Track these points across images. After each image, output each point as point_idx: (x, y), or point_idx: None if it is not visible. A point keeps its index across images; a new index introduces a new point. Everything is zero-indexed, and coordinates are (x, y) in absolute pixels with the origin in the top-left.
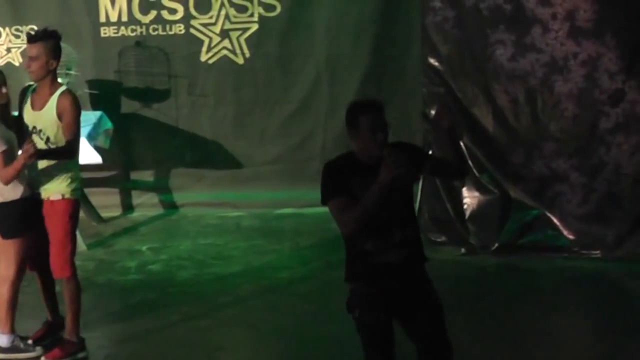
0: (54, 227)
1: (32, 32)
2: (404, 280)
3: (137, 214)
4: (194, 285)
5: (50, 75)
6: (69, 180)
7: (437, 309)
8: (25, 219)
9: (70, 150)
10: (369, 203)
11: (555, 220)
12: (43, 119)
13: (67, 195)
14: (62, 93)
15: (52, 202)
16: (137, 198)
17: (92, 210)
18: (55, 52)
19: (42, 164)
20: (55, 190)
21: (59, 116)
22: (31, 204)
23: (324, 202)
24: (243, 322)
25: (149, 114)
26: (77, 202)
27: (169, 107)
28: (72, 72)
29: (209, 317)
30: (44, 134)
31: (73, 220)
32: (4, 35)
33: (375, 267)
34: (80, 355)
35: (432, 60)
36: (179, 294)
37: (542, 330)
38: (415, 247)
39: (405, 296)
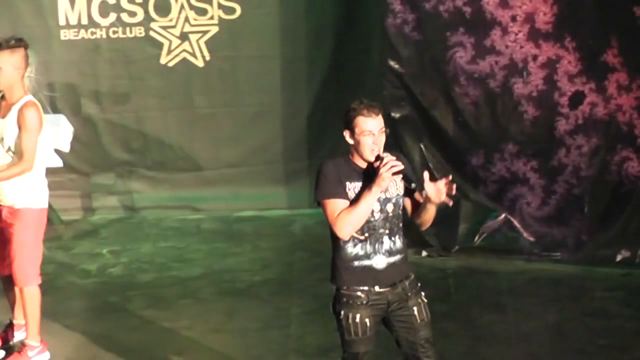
0: (18, 235)
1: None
2: (387, 286)
3: (97, 217)
4: (155, 288)
5: (16, 84)
6: (32, 189)
7: (412, 325)
8: None
9: (23, 169)
10: (363, 208)
11: (515, 223)
12: (5, 128)
13: (31, 205)
14: (25, 103)
15: (17, 210)
16: (97, 201)
17: (52, 213)
18: (21, 62)
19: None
20: (19, 198)
21: (19, 126)
22: None
23: (317, 200)
24: (204, 325)
25: (110, 117)
26: (43, 210)
27: (130, 109)
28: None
29: (170, 321)
30: (5, 143)
31: (38, 229)
32: None
33: (360, 270)
34: (42, 358)
35: (392, 63)
36: (140, 297)
37: (499, 332)
38: (401, 257)
39: (387, 302)
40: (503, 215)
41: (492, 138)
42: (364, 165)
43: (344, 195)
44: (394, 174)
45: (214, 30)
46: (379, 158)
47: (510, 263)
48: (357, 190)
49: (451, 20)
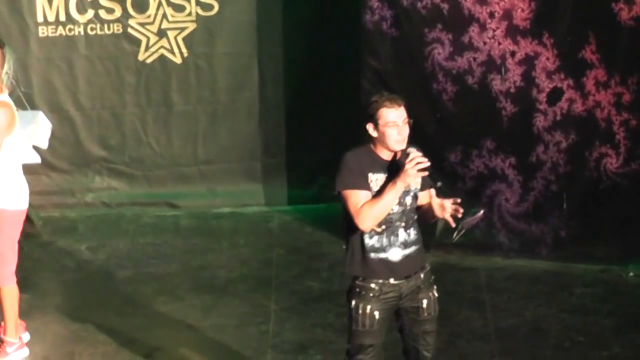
0: None
1: None
2: (402, 278)
3: (75, 214)
4: (132, 284)
5: None
6: (7, 190)
7: (418, 317)
8: None
9: None
10: (386, 202)
11: (493, 219)
12: None
13: (7, 206)
14: None
15: None
16: (75, 198)
17: (30, 210)
18: None
19: None
20: None
21: None
22: None
23: (338, 190)
24: (181, 322)
25: (87, 114)
26: (20, 212)
27: (107, 106)
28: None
29: (147, 317)
30: None
31: (14, 230)
32: None
33: (376, 262)
34: (20, 354)
35: (370, 60)
36: (117, 293)
37: (478, 328)
38: (416, 248)
39: (400, 295)
40: (481, 212)
41: (470, 134)
42: (386, 156)
43: (366, 187)
44: (420, 170)
45: (192, 27)
46: (405, 153)
47: (489, 259)
48: (379, 182)
49: (429, 16)
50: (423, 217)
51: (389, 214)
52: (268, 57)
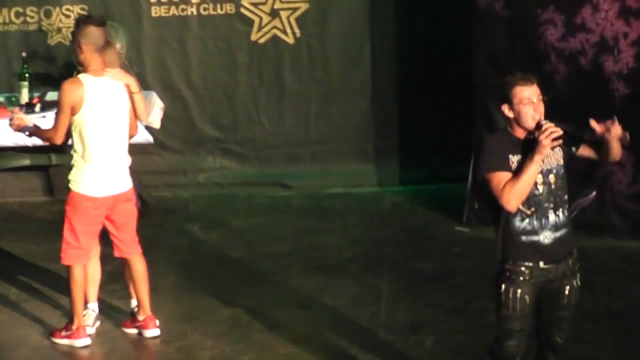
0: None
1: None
2: (552, 262)
3: (187, 194)
4: (244, 264)
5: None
6: (73, 170)
7: (558, 302)
8: None
9: (47, 137)
10: (527, 178)
11: (605, 200)
12: None
13: (71, 186)
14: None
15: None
16: (187, 178)
17: (142, 190)
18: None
19: None
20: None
21: None
22: None
23: (482, 174)
24: (293, 302)
25: (200, 94)
26: (78, 194)
27: (219, 86)
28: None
29: (259, 297)
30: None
31: (72, 213)
32: (54, 14)
33: (527, 245)
34: (69, 341)
35: (482, 40)
36: (229, 273)
37: (589, 309)
38: (566, 230)
39: (547, 279)
40: (594, 193)
41: (582, 116)
42: (523, 137)
43: (508, 168)
44: (554, 139)
45: (305, 7)
46: (538, 126)
47: (601, 241)
48: (517, 163)
49: None
50: (613, 155)
51: (535, 195)
52: (381, 37)
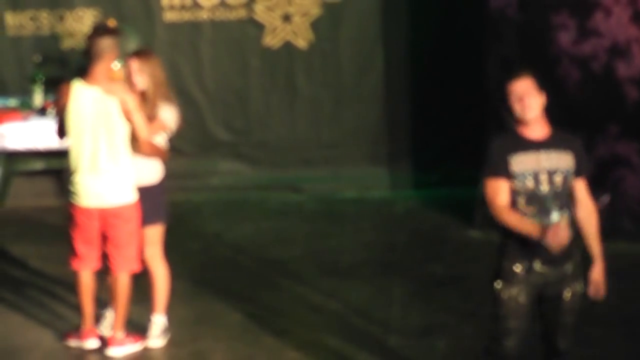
0: None
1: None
2: (548, 263)
3: (200, 197)
4: (256, 268)
5: None
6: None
7: (559, 307)
8: None
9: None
10: (518, 227)
11: (618, 205)
12: None
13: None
14: None
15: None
16: (200, 181)
17: None
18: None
19: None
20: None
21: None
22: None
23: (481, 177)
24: (305, 306)
25: (212, 98)
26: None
27: (232, 90)
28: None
29: (271, 300)
30: None
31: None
32: (67, 19)
33: (523, 244)
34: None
35: (495, 44)
36: (241, 277)
37: (600, 314)
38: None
39: (545, 282)
40: (608, 198)
41: (594, 120)
42: (529, 133)
43: (504, 173)
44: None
45: (317, 12)
46: (558, 219)
47: (613, 245)
48: (520, 163)
49: (554, 1)
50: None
51: (538, 194)
52: (393, 41)
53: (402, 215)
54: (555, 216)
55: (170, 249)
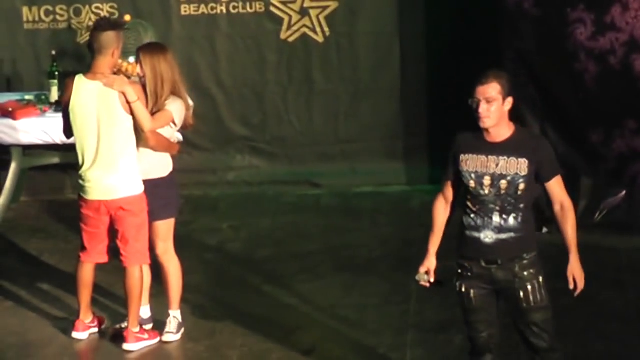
0: None
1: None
2: (492, 262)
3: (216, 192)
4: (273, 263)
5: None
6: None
7: (519, 307)
8: None
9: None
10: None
11: (635, 199)
12: None
13: None
14: None
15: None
16: (216, 176)
17: None
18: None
19: None
20: None
21: None
22: None
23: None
24: (321, 301)
25: (229, 92)
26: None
27: (249, 84)
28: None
29: (288, 296)
30: None
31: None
32: (84, 13)
33: (470, 241)
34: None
35: (511, 39)
36: (258, 272)
37: (619, 309)
38: (514, 236)
39: (492, 280)
40: (623, 192)
41: (612, 115)
42: (488, 135)
43: (448, 176)
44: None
45: (334, 5)
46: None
47: (630, 240)
48: (469, 162)
49: None
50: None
51: (480, 195)
52: (410, 36)
53: (419, 210)
54: (497, 219)
55: (187, 244)
